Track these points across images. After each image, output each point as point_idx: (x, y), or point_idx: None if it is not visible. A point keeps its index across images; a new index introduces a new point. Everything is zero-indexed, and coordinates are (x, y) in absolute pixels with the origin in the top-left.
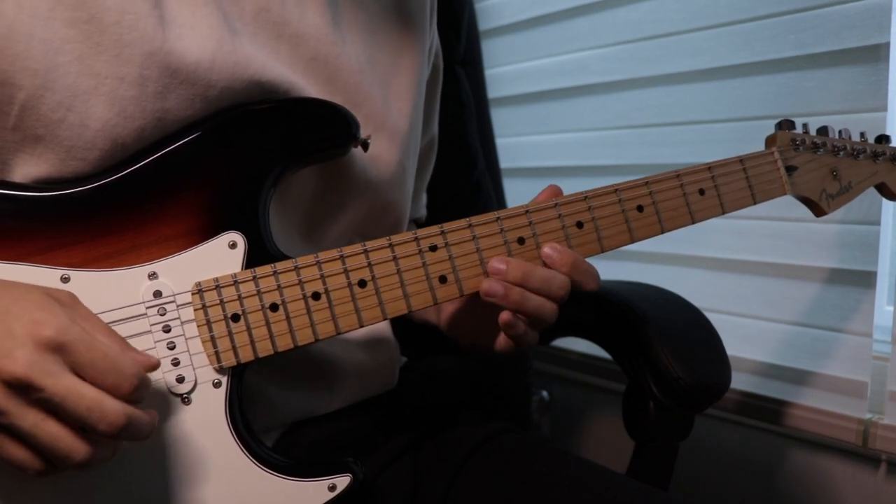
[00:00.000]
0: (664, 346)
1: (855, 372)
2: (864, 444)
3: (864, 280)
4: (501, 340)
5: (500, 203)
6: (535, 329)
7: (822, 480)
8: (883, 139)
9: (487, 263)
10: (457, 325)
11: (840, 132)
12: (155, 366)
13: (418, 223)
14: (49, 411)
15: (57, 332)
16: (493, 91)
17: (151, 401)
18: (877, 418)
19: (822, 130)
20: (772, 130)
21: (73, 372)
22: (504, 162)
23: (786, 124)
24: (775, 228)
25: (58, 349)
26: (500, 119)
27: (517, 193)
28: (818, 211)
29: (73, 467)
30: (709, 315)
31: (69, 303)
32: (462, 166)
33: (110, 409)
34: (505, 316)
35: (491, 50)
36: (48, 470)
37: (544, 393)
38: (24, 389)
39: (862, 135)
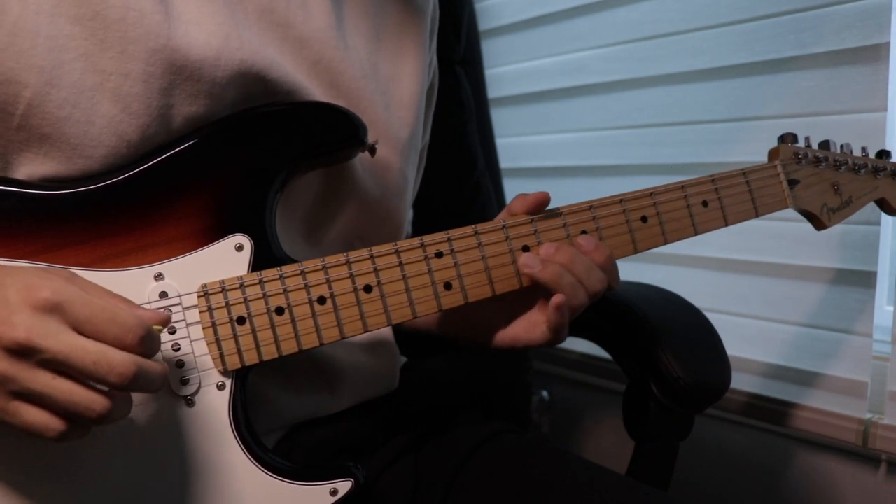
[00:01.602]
0: (664, 346)
1: (855, 372)
2: (864, 444)
3: (864, 280)
4: (543, 325)
5: (501, 203)
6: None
7: (822, 480)
8: (884, 154)
9: (495, 272)
10: (462, 321)
11: (842, 146)
12: (165, 319)
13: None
14: (57, 371)
15: (52, 292)
16: (493, 91)
17: (155, 401)
18: (877, 418)
19: (824, 144)
20: (772, 130)
21: (75, 330)
22: (504, 162)
23: (788, 137)
24: (775, 228)
25: (55, 309)
26: (500, 119)
27: (517, 193)
28: (819, 224)
29: (96, 422)
30: (709, 315)
31: (67, 274)
32: (462, 166)
33: (117, 359)
34: (557, 298)
35: (491, 50)
36: (70, 431)
37: (544, 393)
38: (28, 353)
39: (863, 149)
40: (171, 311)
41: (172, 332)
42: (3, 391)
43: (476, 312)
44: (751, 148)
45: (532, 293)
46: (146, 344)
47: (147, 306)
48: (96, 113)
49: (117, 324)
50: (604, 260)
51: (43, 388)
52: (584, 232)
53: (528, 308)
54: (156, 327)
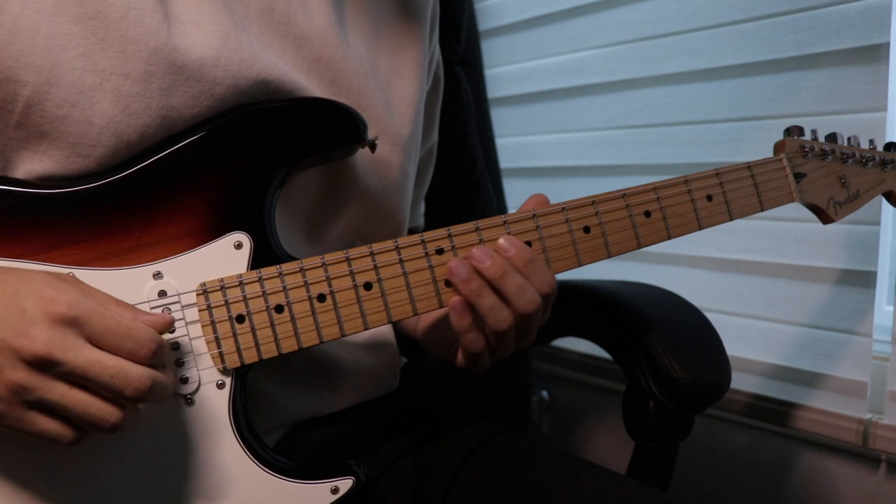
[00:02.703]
0: (664, 346)
1: (855, 372)
2: (864, 444)
3: (865, 280)
4: (460, 356)
5: (500, 203)
6: (495, 345)
7: (822, 480)
8: (892, 146)
9: (471, 249)
10: (435, 338)
11: (849, 139)
12: (169, 323)
13: (415, 232)
14: (73, 383)
15: (69, 307)
16: (493, 91)
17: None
18: (877, 418)
19: (831, 137)
20: (772, 130)
21: (91, 343)
22: (504, 162)
23: (795, 130)
24: (776, 228)
25: (72, 323)
26: (500, 119)
27: (517, 193)
28: (825, 218)
29: (108, 431)
30: (709, 315)
31: (74, 281)
32: (462, 166)
33: (133, 374)
34: (456, 302)
35: (491, 50)
36: (78, 439)
37: (544, 393)
38: (47, 365)
39: (871, 142)
40: (170, 309)
41: (171, 330)
42: (20, 401)
43: (442, 332)
44: (751, 148)
45: None
46: (158, 357)
47: (146, 305)
48: (95, 113)
49: (132, 338)
50: (523, 263)
51: (60, 399)
52: (586, 228)
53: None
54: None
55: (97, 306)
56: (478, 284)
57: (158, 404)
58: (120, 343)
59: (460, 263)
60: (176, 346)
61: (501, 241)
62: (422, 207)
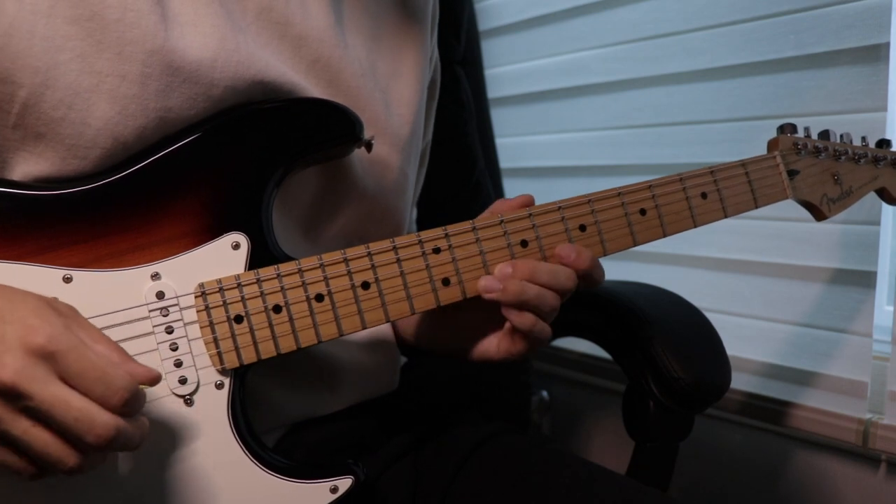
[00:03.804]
0: (664, 346)
1: (855, 372)
2: (864, 444)
3: (864, 280)
4: (503, 344)
5: None
6: (544, 321)
7: (822, 480)
8: (884, 143)
9: (493, 268)
10: (431, 338)
11: (841, 136)
12: (155, 378)
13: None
14: (38, 420)
15: (48, 339)
16: (493, 91)
17: (154, 402)
18: (877, 418)
19: (824, 134)
20: (772, 130)
21: (63, 381)
22: (504, 162)
23: (788, 128)
24: (775, 228)
25: (47, 357)
26: (500, 119)
27: (517, 193)
28: (819, 215)
29: (65, 473)
30: (709, 315)
31: (68, 313)
32: (462, 166)
33: (98, 420)
34: (509, 313)
35: (491, 50)
36: (40, 475)
37: (544, 393)
38: (13, 397)
39: (863, 139)
40: (168, 311)
41: (170, 331)
42: None
43: (453, 323)
44: (751, 148)
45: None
46: (129, 406)
47: (144, 308)
48: (92, 115)
49: (104, 383)
50: (584, 264)
51: (22, 435)
52: (581, 226)
53: (502, 323)
54: (142, 385)
55: (78, 344)
56: (516, 285)
57: (158, 405)
58: (92, 386)
59: (488, 279)
60: (175, 346)
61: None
62: (414, 213)
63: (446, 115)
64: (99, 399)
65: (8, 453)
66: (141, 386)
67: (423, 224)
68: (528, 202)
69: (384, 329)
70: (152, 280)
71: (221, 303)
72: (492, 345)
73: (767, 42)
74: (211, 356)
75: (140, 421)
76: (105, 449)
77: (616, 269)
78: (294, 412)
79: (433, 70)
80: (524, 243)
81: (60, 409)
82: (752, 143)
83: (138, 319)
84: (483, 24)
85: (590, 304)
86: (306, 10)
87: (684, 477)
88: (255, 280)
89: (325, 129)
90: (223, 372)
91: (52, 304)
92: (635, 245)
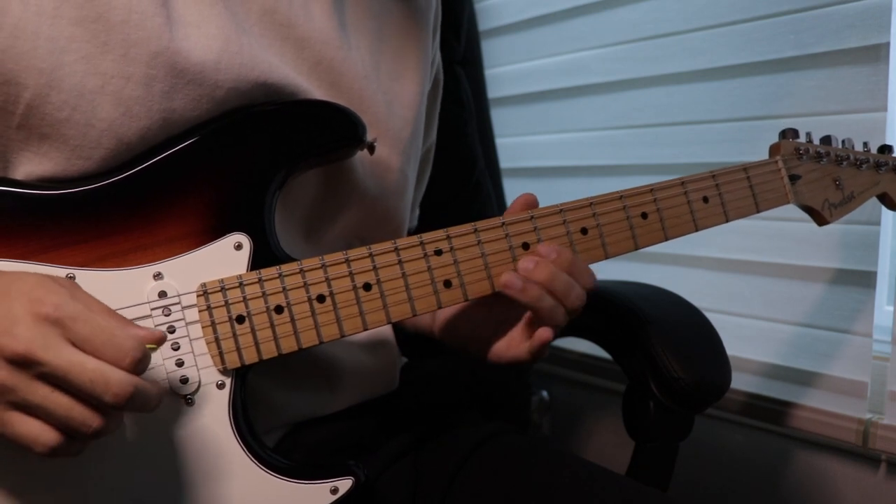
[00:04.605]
0: (664, 346)
1: (855, 372)
2: (864, 444)
3: (864, 280)
4: (525, 345)
5: (500, 203)
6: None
7: (822, 480)
8: (886, 149)
9: (494, 270)
10: (452, 330)
11: (843, 141)
12: (161, 339)
13: (408, 233)
14: (55, 385)
15: (55, 308)
16: (493, 91)
17: None
18: (877, 418)
19: (826, 140)
20: (772, 130)
21: (74, 346)
22: (504, 162)
23: (790, 133)
24: (775, 228)
25: (56, 323)
26: (500, 119)
27: (517, 193)
28: (820, 220)
29: (90, 437)
30: (709, 315)
31: (69, 284)
32: (462, 166)
33: (114, 379)
34: (544, 333)
35: (491, 50)
36: (64, 444)
37: (544, 393)
38: (28, 365)
39: (865, 144)
40: (170, 310)
41: (172, 331)
42: (3, 401)
43: (462, 324)
44: (751, 148)
45: (518, 309)
46: (141, 367)
47: (146, 306)
48: (96, 116)
49: (114, 345)
50: (568, 266)
51: (42, 401)
52: (583, 229)
53: (513, 324)
54: (150, 346)
55: (84, 310)
56: (537, 290)
57: (161, 406)
58: (102, 349)
59: (512, 275)
60: (176, 346)
61: (542, 248)
62: (416, 211)
63: (446, 116)
64: (111, 361)
65: (32, 423)
66: (148, 346)
67: (422, 224)
68: (530, 201)
69: (385, 330)
70: (155, 280)
71: (223, 303)
72: (502, 345)
73: (767, 42)
74: (212, 356)
75: (154, 383)
76: (124, 407)
77: (616, 269)
78: (295, 412)
79: (435, 71)
80: (525, 245)
81: (76, 371)
82: (752, 143)
83: (140, 318)
84: (483, 24)
85: (590, 304)
86: (309, 13)
87: (684, 477)
88: (257, 280)
89: (328, 131)
90: (224, 372)
91: (52, 277)
92: (637, 248)
